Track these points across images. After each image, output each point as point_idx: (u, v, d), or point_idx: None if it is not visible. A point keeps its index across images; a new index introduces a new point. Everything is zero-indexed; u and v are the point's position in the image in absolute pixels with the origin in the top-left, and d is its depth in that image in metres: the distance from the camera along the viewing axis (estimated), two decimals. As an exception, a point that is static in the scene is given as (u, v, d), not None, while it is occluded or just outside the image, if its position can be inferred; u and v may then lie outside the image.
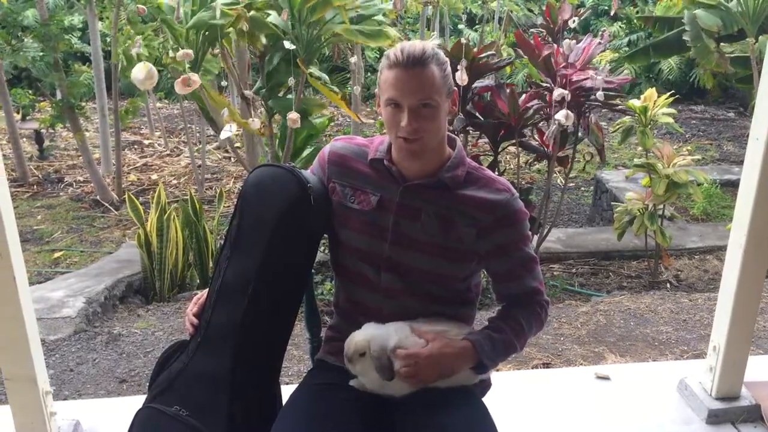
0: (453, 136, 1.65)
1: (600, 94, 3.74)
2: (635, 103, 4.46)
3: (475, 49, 4.19)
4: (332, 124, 4.81)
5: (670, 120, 4.48)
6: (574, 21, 4.48)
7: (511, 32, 6.44)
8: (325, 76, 4.22)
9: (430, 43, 1.50)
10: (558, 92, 3.67)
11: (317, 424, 1.48)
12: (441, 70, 1.47)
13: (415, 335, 1.52)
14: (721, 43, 6.41)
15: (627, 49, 11.50)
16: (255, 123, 3.74)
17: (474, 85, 4.04)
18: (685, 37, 6.61)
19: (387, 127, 1.52)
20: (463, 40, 3.94)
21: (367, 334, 1.52)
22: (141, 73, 2.98)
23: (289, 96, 4.05)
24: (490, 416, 1.53)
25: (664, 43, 8.07)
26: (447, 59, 1.52)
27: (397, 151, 1.55)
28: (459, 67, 3.45)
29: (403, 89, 1.45)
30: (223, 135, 3.57)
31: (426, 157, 1.54)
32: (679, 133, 8.78)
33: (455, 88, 1.55)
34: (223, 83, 5.44)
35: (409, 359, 1.48)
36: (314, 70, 4.08)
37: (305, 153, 4.53)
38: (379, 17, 3.95)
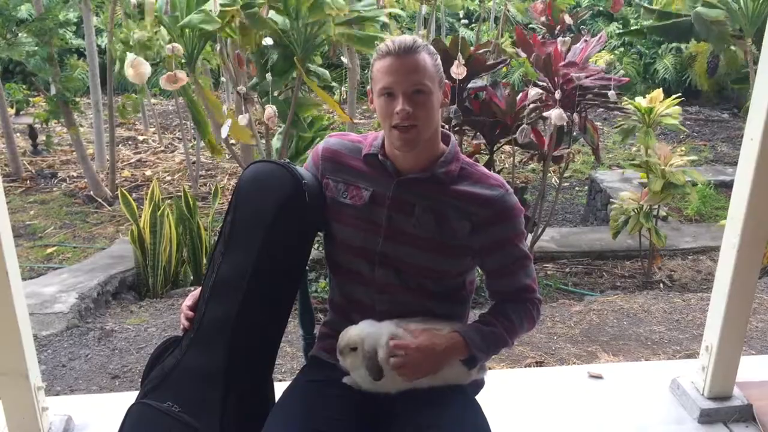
0: (447, 132, 1.65)
1: (612, 94, 3.76)
2: (641, 103, 4.46)
3: (472, 48, 4.18)
4: (327, 121, 4.80)
5: (675, 121, 4.48)
6: (568, 19, 4.50)
7: (507, 32, 6.45)
8: (326, 72, 4.21)
9: (419, 37, 1.52)
10: (534, 92, 3.68)
11: (310, 420, 1.48)
12: (432, 59, 1.50)
13: (405, 332, 1.52)
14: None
15: (622, 50, 11.54)
16: (243, 119, 3.73)
17: (469, 86, 4.04)
18: (702, 36, 6.65)
19: (381, 118, 1.52)
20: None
21: (361, 331, 1.52)
22: (132, 66, 2.96)
23: (283, 96, 4.04)
24: (483, 415, 1.53)
25: (659, 27, 8.08)
26: (437, 52, 1.54)
27: (392, 142, 1.54)
28: (456, 61, 3.45)
29: (396, 75, 1.46)
30: (223, 133, 3.56)
31: (420, 149, 1.53)
32: (674, 134, 8.80)
33: (447, 81, 1.57)
34: (222, 79, 5.43)
35: (398, 350, 1.47)
36: (314, 67, 4.07)
37: (307, 153, 4.52)
38: (382, 18, 3.94)
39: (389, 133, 1.52)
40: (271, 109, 3.48)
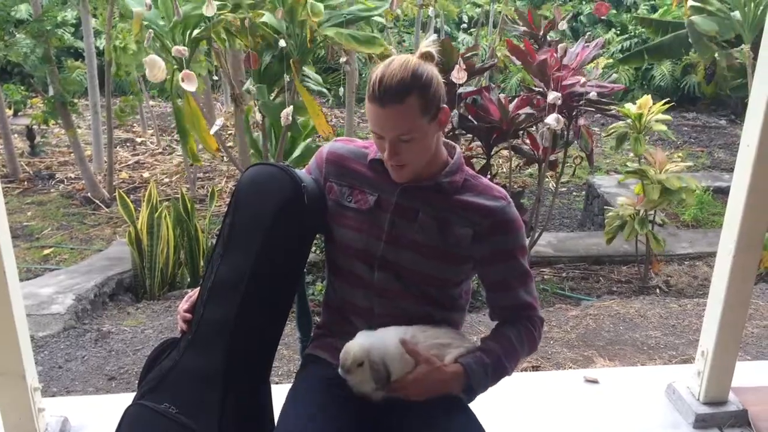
0: (453, 143, 1.65)
1: (593, 94, 3.76)
2: (630, 108, 4.48)
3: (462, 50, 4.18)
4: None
5: (664, 127, 4.50)
6: (562, 25, 4.51)
7: (505, 36, 6.47)
8: (318, 77, 4.22)
9: (412, 63, 1.42)
10: (553, 95, 3.68)
11: (321, 415, 1.49)
12: (422, 97, 1.41)
13: (407, 353, 1.50)
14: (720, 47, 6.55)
15: (620, 55, 11.56)
16: (215, 127, 3.72)
17: (459, 91, 4.03)
18: (690, 40, 6.72)
19: (378, 150, 1.54)
20: (455, 43, 3.94)
21: (364, 344, 1.50)
22: (149, 65, 2.97)
23: (279, 99, 4.04)
24: (479, 424, 1.54)
25: (659, 47, 8.12)
26: (433, 76, 1.45)
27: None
28: (457, 66, 3.45)
29: (381, 125, 1.45)
30: (213, 130, 3.59)
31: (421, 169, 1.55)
32: (671, 140, 8.83)
33: (444, 106, 1.49)
34: (215, 77, 5.43)
35: (394, 390, 1.50)
36: (307, 71, 4.08)
37: (295, 154, 4.52)
38: (377, 18, 3.94)
39: (386, 164, 1.54)
40: (286, 110, 3.49)
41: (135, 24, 3.50)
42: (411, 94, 1.40)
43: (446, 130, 4.02)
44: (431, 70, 1.46)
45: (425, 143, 1.48)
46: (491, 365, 1.53)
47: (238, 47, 4.31)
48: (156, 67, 2.91)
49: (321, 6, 3.51)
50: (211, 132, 3.65)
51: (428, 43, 1.51)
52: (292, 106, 3.61)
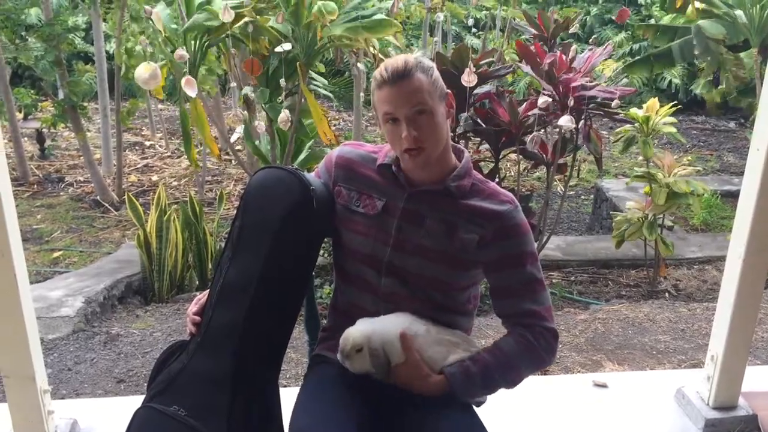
0: (461, 147, 1.66)
1: (616, 103, 3.75)
2: (638, 112, 4.46)
3: (476, 56, 4.18)
4: (334, 128, 4.77)
5: (673, 130, 4.48)
6: (575, 27, 4.50)
7: (513, 38, 6.47)
8: (324, 81, 4.23)
9: (412, 56, 1.53)
10: (542, 100, 3.67)
11: (332, 412, 1.50)
12: (427, 76, 1.50)
13: (401, 344, 1.52)
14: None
15: (630, 59, 11.52)
16: (237, 131, 3.73)
17: (474, 92, 4.03)
18: (696, 51, 6.67)
19: (390, 143, 1.56)
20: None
21: (365, 330, 1.52)
22: (145, 72, 2.99)
23: (287, 103, 4.05)
24: (481, 422, 1.54)
25: (666, 53, 8.07)
26: (433, 65, 1.55)
27: (404, 164, 1.58)
28: (467, 69, 3.44)
29: (394, 102, 1.48)
30: (234, 137, 3.60)
31: (433, 165, 1.55)
32: (680, 143, 8.79)
33: (448, 91, 1.57)
34: (232, 84, 5.44)
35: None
36: (314, 74, 4.09)
37: (300, 157, 4.53)
38: (380, 16, 3.94)
39: (401, 157, 1.55)
40: (285, 114, 3.51)
41: (159, 30, 3.54)
42: (416, 71, 1.49)
43: (456, 132, 4.04)
44: (431, 62, 1.55)
45: (438, 122, 1.51)
46: (479, 375, 1.53)
47: (246, 54, 4.32)
48: (155, 75, 2.94)
49: (333, 4, 3.52)
50: (232, 140, 3.66)
51: (420, 54, 1.57)
52: (287, 109, 3.62)
